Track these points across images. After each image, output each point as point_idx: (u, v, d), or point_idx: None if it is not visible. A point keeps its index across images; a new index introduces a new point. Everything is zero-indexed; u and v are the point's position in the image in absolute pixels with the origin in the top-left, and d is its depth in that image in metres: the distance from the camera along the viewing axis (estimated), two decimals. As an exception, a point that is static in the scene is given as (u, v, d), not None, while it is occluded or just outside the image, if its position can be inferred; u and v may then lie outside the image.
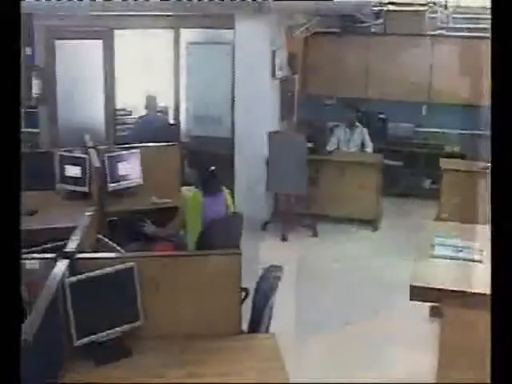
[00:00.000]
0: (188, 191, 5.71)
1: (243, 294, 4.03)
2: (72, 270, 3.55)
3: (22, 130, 9.21)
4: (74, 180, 6.51)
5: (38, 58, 9.40)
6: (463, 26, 9.80)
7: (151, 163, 6.78)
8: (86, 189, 6.42)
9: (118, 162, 6.70)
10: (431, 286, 4.15)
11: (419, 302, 4.52)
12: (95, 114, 9.57)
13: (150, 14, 8.68)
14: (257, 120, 8.44)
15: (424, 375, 4.53)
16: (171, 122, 9.52)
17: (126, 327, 3.67)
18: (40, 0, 8.06)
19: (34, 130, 9.47)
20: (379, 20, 10.11)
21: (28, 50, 9.34)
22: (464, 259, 4.54)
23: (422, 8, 9.83)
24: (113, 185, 6.62)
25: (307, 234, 8.45)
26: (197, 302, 3.79)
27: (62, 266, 3.47)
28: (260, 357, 3.65)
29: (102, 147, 6.93)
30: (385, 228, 8.76)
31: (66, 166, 6.55)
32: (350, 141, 9.27)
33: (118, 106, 9.71)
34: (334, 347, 5.60)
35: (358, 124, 9.30)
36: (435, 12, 9.89)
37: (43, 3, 8.08)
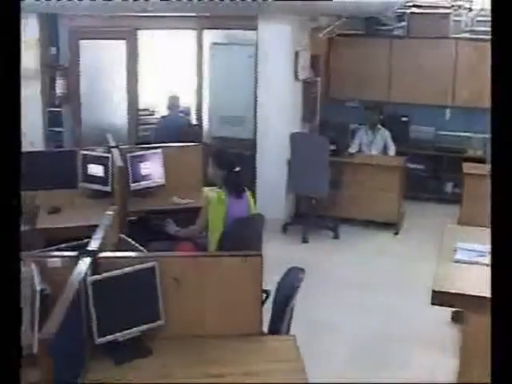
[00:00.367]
0: (210, 191, 5.73)
1: (264, 295, 4.04)
2: (94, 268, 3.58)
3: (48, 129, 9.36)
4: (97, 179, 6.54)
5: (62, 58, 9.47)
6: (488, 29, 9.72)
7: (173, 163, 6.79)
8: (108, 188, 6.44)
9: (141, 161, 6.72)
10: (453, 292, 4.12)
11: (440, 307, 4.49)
12: (118, 113, 9.63)
13: (173, 15, 8.71)
14: (279, 121, 8.44)
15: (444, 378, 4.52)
16: (193, 122, 9.55)
17: (147, 326, 3.68)
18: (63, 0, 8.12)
19: (57, 129, 9.56)
20: (402, 23, 10.07)
21: (53, 50, 9.44)
22: (486, 264, 4.51)
23: (446, 11, 9.77)
24: (135, 184, 6.64)
25: (328, 236, 8.44)
26: (218, 302, 3.80)
27: (84, 264, 3.50)
28: (280, 358, 3.65)
29: (125, 147, 6.96)
30: (406, 231, 8.71)
31: (89, 165, 6.58)
32: (373, 143, 9.25)
33: (141, 106, 9.76)
34: (354, 349, 5.60)
35: (380, 127, 9.28)
36: (460, 15, 9.83)
37: (68, 3, 8.12)
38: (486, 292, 4.11)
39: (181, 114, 9.31)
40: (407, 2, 9.59)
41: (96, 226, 4.12)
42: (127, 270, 3.61)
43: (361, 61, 10.15)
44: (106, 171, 6.50)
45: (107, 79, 9.71)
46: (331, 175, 8.25)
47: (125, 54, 9.44)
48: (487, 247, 4.74)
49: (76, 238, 4.13)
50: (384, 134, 9.23)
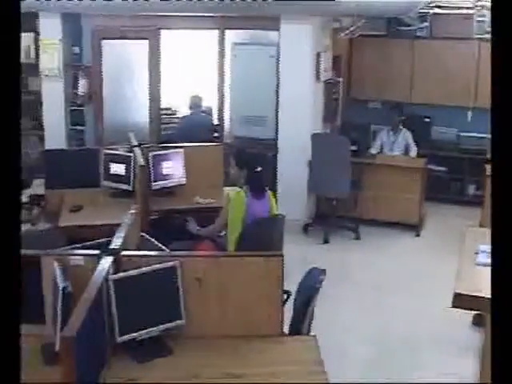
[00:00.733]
0: (231, 191, 5.73)
1: (285, 296, 4.04)
2: (116, 267, 3.59)
3: (70, 127, 9.43)
4: (119, 178, 6.58)
5: (85, 57, 9.53)
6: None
7: (194, 163, 6.81)
8: (130, 187, 6.48)
9: (162, 161, 6.74)
10: (474, 294, 4.09)
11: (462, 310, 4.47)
12: (140, 112, 9.66)
13: (195, 15, 8.72)
14: (301, 122, 8.43)
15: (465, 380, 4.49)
16: (215, 122, 9.56)
17: (168, 325, 3.70)
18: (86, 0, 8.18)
19: (79, 128, 9.62)
20: (425, 23, 10.02)
21: (75, 50, 9.50)
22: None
23: (469, 11, 9.70)
24: (156, 183, 6.67)
25: (349, 237, 8.42)
26: (239, 302, 3.81)
27: (106, 263, 3.52)
28: (301, 358, 3.65)
29: (147, 146, 6.99)
30: (428, 233, 8.68)
31: (111, 164, 6.62)
32: (394, 144, 9.21)
33: (163, 105, 9.78)
34: (375, 350, 5.58)
35: (401, 127, 9.24)
36: (483, 15, 9.75)
37: (91, 3, 8.17)
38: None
39: (203, 114, 9.32)
40: (430, 3, 9.54)
41: (118, 224, 4.15)
42: (149, 268, 3.63)
43: (383, 61, 10.12)
44: (127, 170, 6.54)
45: (129, 79, 9.74)
46: (352, 176, 8.22)
47: (147, 53, 9.47)
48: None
49: (98, 237, 4.15)
50: (405, 135, 9.19)
